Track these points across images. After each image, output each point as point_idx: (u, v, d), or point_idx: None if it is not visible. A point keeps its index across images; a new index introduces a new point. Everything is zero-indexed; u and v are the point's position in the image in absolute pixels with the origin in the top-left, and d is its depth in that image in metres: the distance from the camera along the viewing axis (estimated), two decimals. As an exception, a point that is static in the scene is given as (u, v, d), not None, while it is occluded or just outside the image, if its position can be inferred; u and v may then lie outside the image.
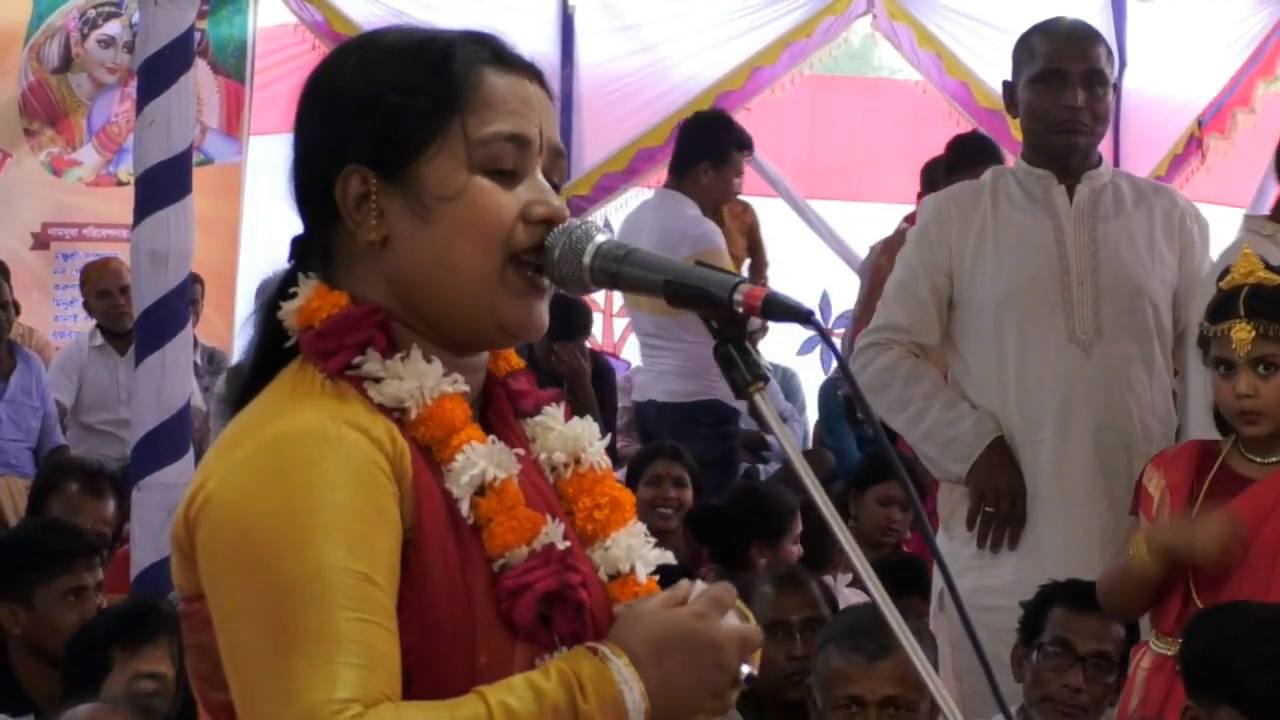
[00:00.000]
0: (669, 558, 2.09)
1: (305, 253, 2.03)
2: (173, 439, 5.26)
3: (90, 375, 8.51)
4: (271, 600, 1.81)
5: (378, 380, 1.94)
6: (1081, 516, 4.77)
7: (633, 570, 2.03)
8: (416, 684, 1.85)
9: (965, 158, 7.48)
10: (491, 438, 1.97)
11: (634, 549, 2.04)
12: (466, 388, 1.98)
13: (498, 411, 2.06)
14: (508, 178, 1.97)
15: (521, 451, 1.99)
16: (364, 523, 1.84)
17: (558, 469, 2.06)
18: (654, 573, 2.07)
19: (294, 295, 2.00)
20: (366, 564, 1.82)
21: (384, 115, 1.96)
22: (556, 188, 2.01)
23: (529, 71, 2.02)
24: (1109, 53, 4.99)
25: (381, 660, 1.81)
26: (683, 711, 1.88)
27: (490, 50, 2.00)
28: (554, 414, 2.09)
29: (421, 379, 1.94)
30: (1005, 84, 5.04)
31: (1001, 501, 4.82)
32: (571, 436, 2.07)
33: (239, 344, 9.34)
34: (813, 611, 4.88)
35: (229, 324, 9.98)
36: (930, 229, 4.98)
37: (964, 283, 4.92)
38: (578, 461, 2.06)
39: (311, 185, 2.00)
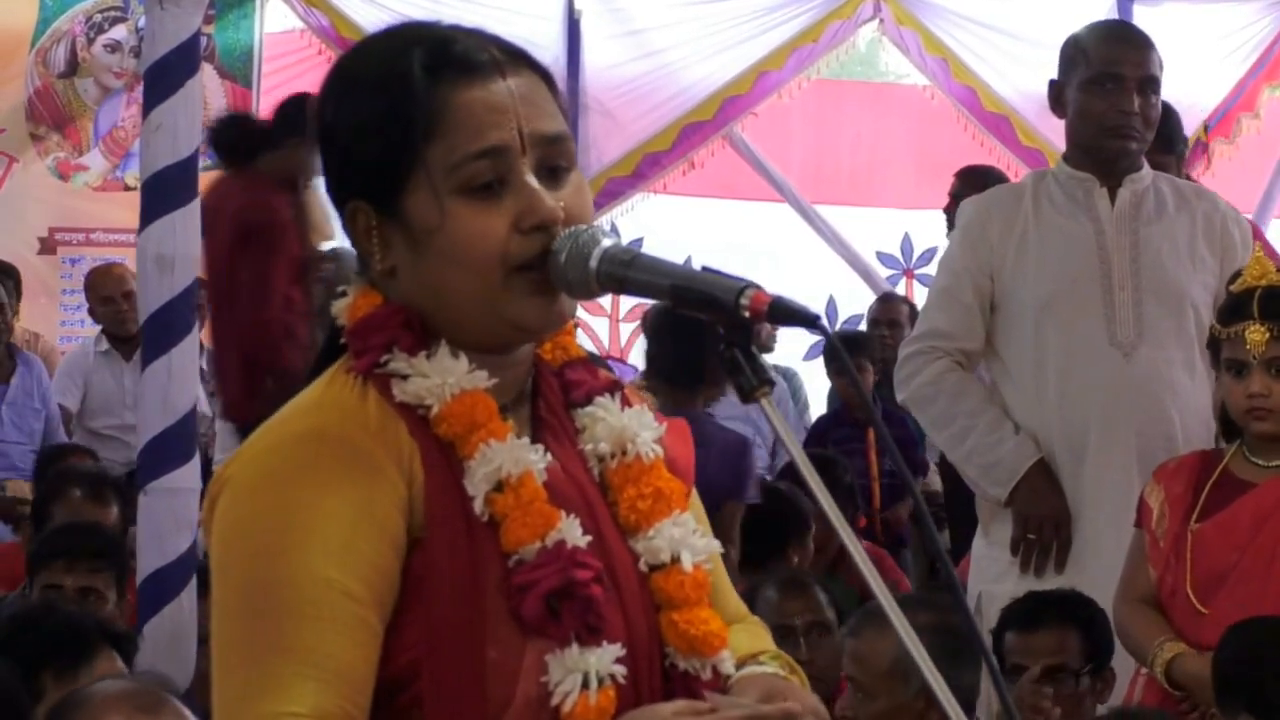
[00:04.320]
0: (716, 546, 2.08)
1: None
2: (179, 444, 5.25)
3: (95, 380, 8.51)
4: (248, 600, 1.87)
5: (405, 378, 1.96)
6: (1124, 521, 4.71)
7: (676, 560, 2.02)
8: (423, 678, 1.89)
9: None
10: (511, 434, 1.97)
11: (678, 539, 2.03)
12: (491, 382, 1.98)
13: (548, 403, 2.07)
14: (492, 191, 1.94)
15: (540, 448, 1.99)
16: (352, 530, 1.87)
17: (605, 459, 2.05)
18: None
19: (343, 294, 2.04)
20: (347, 573, 1.86)
21: (360, 155, 1.98)
22: (564, 172, 1.98)
23: (499, 68, 1.97)
24: (1160, 60, 4.93)
25: (343, 673, 1.85)
26: None
27: (450, 61, 1.96)
28: (606, 404, 2.07)
29: (445, 375, 1.96)
30: (1051, 83, 4.98)
31: (1045, 529, 4.78)
32: (619, 427, 2.05)
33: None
34: (816, 616, 4.88)
35: (235, 329, 9.98)
36: (972, 231, 4.94)
37: (1005, 285, 4.88)
38: (624, 451, 2.05)
39: (336, 210, 2.04)
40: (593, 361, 2.14)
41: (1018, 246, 4.88)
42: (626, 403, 2.10)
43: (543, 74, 2.01)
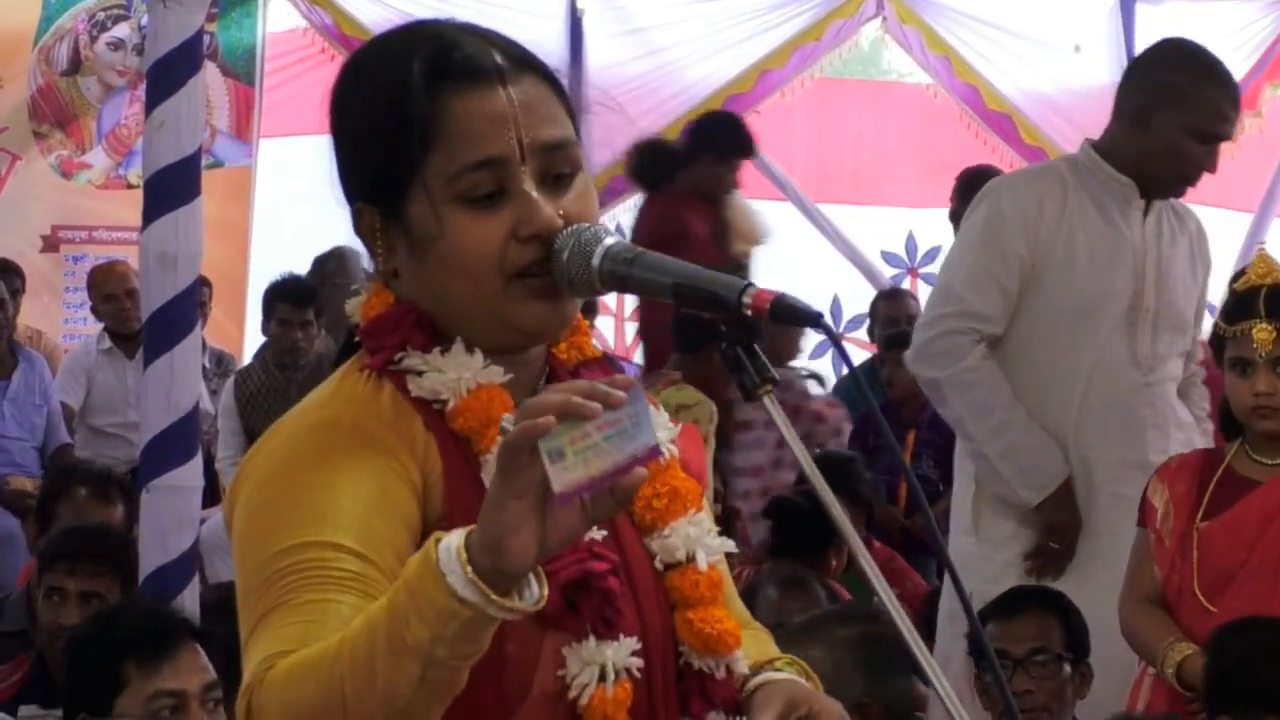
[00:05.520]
0: (730, 546, 2.09)
1: None
2: (181, 442, 5.24)
3: (98, 378, 8.53)
4: (262, 575, 1.86)
5: (420, 374, 1.97)
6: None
7: (691, 559, 2.03)
8: None
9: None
10: None
11: (693, 538, 2.04)
12: (506, 378, 1.99)
13: None
14: (492, 200, 1.94)
15: None
16: (367, 507, 1.88)
17: None
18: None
19: (356, 292, 2.06)
20: (366, 545, 1.85)
21: (363, 160, 1.99)
22: (568, 178, 1.98)
23: (501, 76, 1.96)
24: None
25: (345, 616, 1.80)
26: (502, 512, 1.72)
27: (450, 69, 1.95)
28: None
29: (460, 370, 1.97)
30: (1142, 104, 4.80)
31: (1065, 539, 4.81)
32: None
33: (250, 347, 9.36)
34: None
35: (240, 327, 9.99)
36: (1029, 215, 4.83)
37: (1042, 278, 4.81)
38: None
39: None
40: (608, 362, 2.14)
41: (1066, 245, 4.82)
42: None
43: (549, 79, 2.01)
